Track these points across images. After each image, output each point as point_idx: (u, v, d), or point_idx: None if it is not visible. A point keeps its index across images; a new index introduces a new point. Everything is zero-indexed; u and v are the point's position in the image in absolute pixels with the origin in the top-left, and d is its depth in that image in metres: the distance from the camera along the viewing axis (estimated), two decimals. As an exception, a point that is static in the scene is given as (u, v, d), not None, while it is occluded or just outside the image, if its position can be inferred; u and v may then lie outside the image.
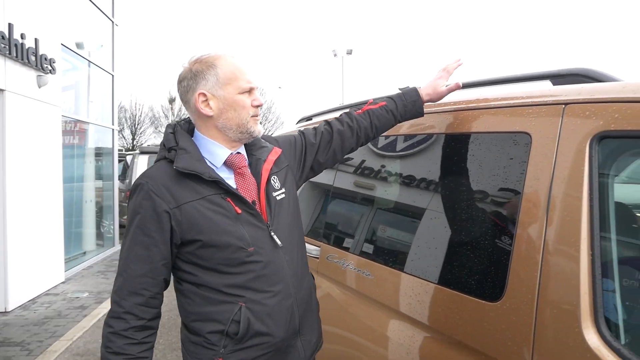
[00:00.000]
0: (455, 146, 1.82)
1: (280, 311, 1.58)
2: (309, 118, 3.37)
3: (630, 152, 1.42)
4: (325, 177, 2.67)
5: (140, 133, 36.77)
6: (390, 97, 1.97)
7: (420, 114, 1.96)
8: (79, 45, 8.92)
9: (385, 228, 2.15)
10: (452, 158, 1.82)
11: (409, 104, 1.94)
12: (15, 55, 6.24)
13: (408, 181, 2.05)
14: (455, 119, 1.86)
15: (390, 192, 2.20)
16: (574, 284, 1.29)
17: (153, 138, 36.20)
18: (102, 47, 10.18)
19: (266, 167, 1.69)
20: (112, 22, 10.50)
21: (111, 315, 1.51)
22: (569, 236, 1.33)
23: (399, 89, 2.00)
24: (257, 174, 1.67)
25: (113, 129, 10.70)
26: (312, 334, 1.72)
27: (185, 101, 1.64)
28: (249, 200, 1.60)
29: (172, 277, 1.63)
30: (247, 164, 1.69)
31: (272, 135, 1.93)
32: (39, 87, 6.92)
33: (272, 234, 1.61)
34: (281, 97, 56.53)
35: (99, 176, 10.43)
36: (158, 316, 1.58)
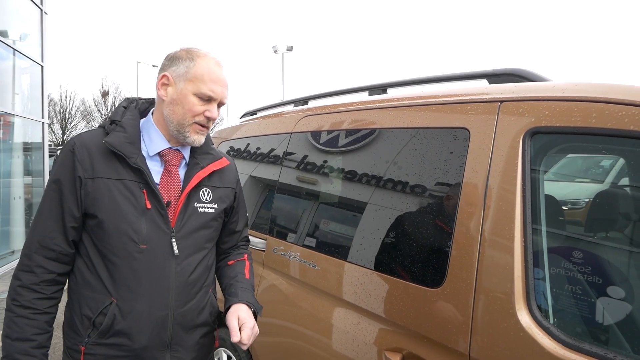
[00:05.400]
0: (398, 140, 1.89)
1: (149, 319, 1.51)
2: (253, 112, 3.37)
3: (560, 147, 1.54)
4: (270, 172, 2.69)
5: (71, 127, 35.24)
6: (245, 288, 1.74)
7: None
8: (2, 34, 8.39)
9: (331, 220, 2.20)
10: (395, 151, 1.89)
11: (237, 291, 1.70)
12: None
13: (352, 176, 2.11)
14: (398, 114, 1.93)
15: (335, 186, 2.26)
16: (508, 271, 1.39)
17: (85, 133, 34.66)
18: (29, 36, 9.65)
19: (199, 175, 1.62)
20: (41, 10, 9.97)
21: (20, 269, 1.49)
22: (504, 226, 1.43)
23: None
24: (188, 177, 1.61)
25: (43, 122, 10.15)
26: (187, 354, 1.62)
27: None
28: (165, 199, 1.54)
29: None
30: (180, 163, 1.62)
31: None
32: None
33: (173, 240, 1.54)
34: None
35: (27, 172, 9.84)
36: (68, 273, 1.56)
